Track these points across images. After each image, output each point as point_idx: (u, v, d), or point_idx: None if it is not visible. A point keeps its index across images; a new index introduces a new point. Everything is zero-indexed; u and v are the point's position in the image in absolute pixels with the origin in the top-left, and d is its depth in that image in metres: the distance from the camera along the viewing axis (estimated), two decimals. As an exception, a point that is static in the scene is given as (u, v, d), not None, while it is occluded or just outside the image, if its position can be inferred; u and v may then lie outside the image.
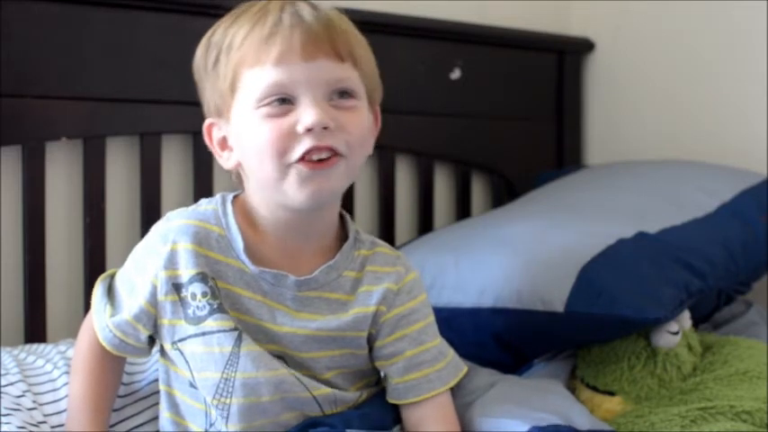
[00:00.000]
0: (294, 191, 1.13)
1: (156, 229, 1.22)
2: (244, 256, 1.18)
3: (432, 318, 1.27)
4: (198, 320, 1.17)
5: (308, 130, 1.11)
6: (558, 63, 2.30)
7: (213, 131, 1.20)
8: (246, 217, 1.21)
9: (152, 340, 1.23)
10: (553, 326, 1.51)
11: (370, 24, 1.93)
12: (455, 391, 1.30)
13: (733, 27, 2.15)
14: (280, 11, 1.14)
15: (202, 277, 1.16)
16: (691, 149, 2.18)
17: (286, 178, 1.13)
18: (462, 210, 2.14)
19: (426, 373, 1.22)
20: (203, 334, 1.17)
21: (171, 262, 1.18)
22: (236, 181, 1.24)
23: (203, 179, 1.71)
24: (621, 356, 1.51)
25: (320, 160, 1.12)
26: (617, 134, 2.34)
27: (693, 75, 2.22)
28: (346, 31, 1.17)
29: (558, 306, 1.49)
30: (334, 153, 1.13)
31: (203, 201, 1.24)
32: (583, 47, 2.34)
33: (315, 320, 1.19)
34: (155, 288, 1.18)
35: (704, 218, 1.74)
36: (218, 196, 1.23)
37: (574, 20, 2.39)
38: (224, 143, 1.20)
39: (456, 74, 2.09)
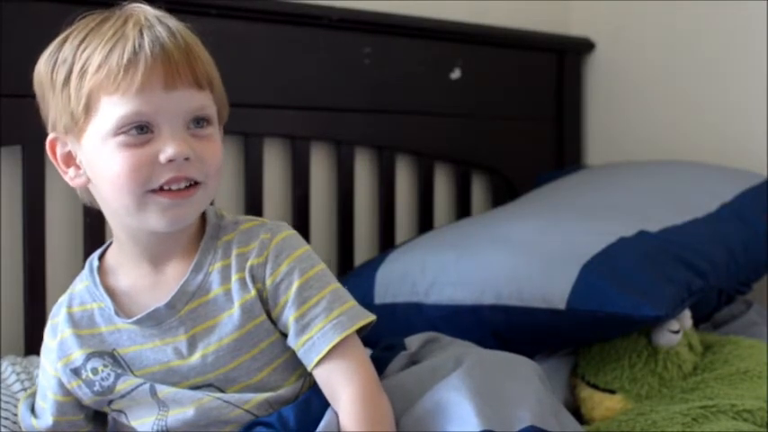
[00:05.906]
0: (155, 219, 1.14)
1: (46, 329, 1.25)
2: (118, 319, 1.19)
3: (317, 268, 1.19)
4: (108, 390, 1.20)
5: (170, 161, 1.12)
6: (558, 63, 2.30)
7: (57, 146, 1.19)
8: (112, 269, 1.22)
9: (94, 415, 1.26)
10: (554, 323, 1.51)
11: (371, 24, 1.95)
12: (421, 362, 1.24)
13: (733, 27, 2.15)
14: (138, 34, 1.12)
15: (99, 354, 1.20)
16: (691, 149, 2.19)
17: (145, 209, 1.13)
18: (462, 210, 2.14)
19: (321, 327, 1.16)
20: (122, 397, 1.20)
21: (62, 351, 1.22)
22: (85, 198, 1.23)
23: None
24: (622, 355, 1.51)
25: (179, 190, 1.13)
26: (617, 134, 2.34)
27: (693, 75, 2.22)
28: (203, 57, 1.16)
29: (560, 303, 1.49)
30: (193, 183, 1.14)
31: (77, 279, 1.26)
32: (583, 47, 2.34)
33: (213, 330, 1.18)
34: (59, 380, 1.22)
35: (705, 217, 1.74)
36: (86, 266, 1.24)
37: (574, 20, 2.39)
38: (69, 159, 1.19)
39: (456, 74, 2.09)
